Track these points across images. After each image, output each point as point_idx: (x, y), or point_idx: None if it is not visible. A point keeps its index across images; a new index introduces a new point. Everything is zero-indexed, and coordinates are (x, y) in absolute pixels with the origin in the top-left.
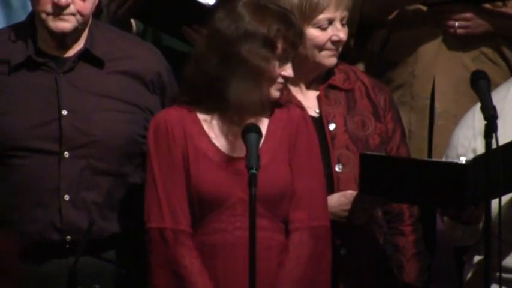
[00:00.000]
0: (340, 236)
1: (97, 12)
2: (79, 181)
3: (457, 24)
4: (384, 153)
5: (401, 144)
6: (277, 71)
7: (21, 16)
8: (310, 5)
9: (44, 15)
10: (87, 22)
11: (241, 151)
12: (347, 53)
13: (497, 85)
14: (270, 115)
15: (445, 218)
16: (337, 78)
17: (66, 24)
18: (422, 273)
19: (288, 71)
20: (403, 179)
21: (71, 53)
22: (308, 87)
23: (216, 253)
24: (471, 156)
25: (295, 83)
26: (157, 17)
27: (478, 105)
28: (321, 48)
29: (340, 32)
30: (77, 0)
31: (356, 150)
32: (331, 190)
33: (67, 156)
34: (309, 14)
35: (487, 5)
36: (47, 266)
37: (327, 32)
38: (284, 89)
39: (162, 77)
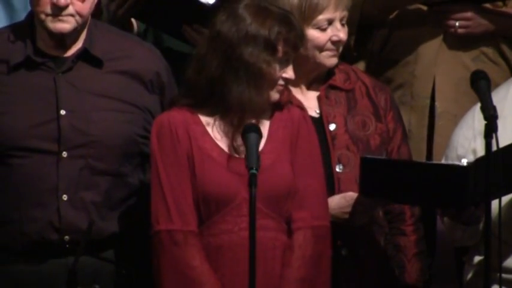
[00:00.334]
0: (341, 237)
1: (98, 12)
2: (78, 181)
3: (457, 24)
4: (384, 157)
5: (402, 144)
6: (278, 73)
7: (22, 17)
8: (309, 5)
9: (43, 16)
10: (86, 22)
11: (244, 152)
12: (347, 52)
13: (497, 85)
14: (270, 116)
15: (445, 219)
16: (338, 79)
17: (65, 25)
18: (423, 273)
19: (289, 73)
20: (404, 181)
21: (70, 52)
22: (308, 88)
23: (222, 254)
24: (471, 156)
25: (296, 84)
26: (158, 17)
27: (478, 105)
28: (321, 48)
29: (340, 32)
30: (76, 1)
31: (357, 150)
32: (331, 190)
33: (65, 156)
34: (308, 15)
35: (488, 5)
36: (46, 265)
37: (327, 32)
38: (284, 90)
39: (161, 76)
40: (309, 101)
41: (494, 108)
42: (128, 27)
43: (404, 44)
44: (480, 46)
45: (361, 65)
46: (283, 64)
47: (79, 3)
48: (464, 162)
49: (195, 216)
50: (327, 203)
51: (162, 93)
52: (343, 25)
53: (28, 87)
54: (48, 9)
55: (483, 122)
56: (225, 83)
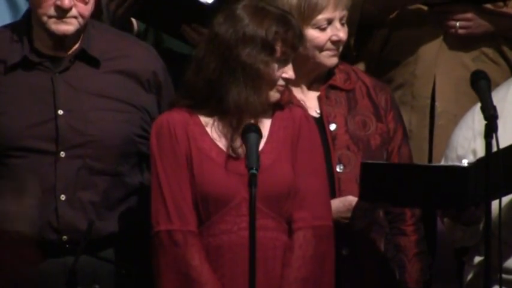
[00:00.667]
0: (342, 237)
1: (98, 12)
2: (75, 181)
3: (458, 24)
4: (385, 156)
5: (403, 144)
6: (277, 73)
7: None
8: (308, 5)
9: (45, 18)
10: (86, 23)
11: (243, 152)
12: (347, 52)
13: (497, 85)
14: (272, 115)
15: (446, 219)
16: (338, 79)
17: (69, 27)
18: (424, 273)
19: (289, 73)
20: (405, 184)
21: (67, 52)
22: (309, 88)
23: (222, 254)
24: (470, 157)
25: (296, 84)
26: (157, 17)
27: (477, 106)
28: (321, 48)
29: (339, 32)
30: (79, 3)
31: (357, 150)
32: (332, 190)
33: (63, 156)
34: (307, 15)
35: (488, 5)
36: (44, 265)
37: (327, 32)
38: (285, 90)
39: (158, 76)
40: (309, 101)
41: (494, 108)
42: (128, 27)
43: (404, 44)
44: (480, 46)
45: (361, 65)
46: (282, 64)
47: (82, 5)
48: (465, 163)
49: (194, 217)
50: (329, 203)
51: (159, 93)
52: (342, 25)
53: (25, 87)
54: (52, 12)
55: (483, 123)
56: (223, 84)
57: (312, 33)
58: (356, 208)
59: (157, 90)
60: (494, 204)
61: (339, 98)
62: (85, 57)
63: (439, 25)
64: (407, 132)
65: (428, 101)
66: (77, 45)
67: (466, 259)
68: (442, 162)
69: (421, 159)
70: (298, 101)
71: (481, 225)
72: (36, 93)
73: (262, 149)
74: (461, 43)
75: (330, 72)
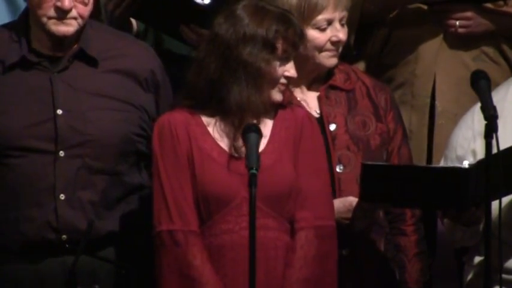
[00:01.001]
0: (342, 237)
1: (96, 12)
2: (75, 180)
3: (458, 23)
4: (384, 157)
5: (403, 145)
6: (279, 72)
7: None
8: (308, 6)
9: (45, 19)
10: (85, 24)
11: (245, 152)
12: (347, 51)
13: (497, 84)
14: (274, 116)
15: (446, 220)
16: (338, 79)
17: (69, 28)
18: (424, 273)
19: (291, 71)
20: (405, 185)
21: (66, 52)
22: (309, 88)
23: (224, 254)
24: (470, 157)
25: (296, 84)
26: (155, 17)
27: (477, 106)
28: (321, 49)
29: (339, 33)
30: (79, 4)
31: (357, 150)
32: (332, 191)
33: (62, 155)
34: (307, 15)
35: (488, 4)
36: (44, 265)
37: (326, 32)
38: (286, 90)
39: (156, 75)
40: (309, 101)
41: (494, 108)
42: (127, 27)
43: (404, 44)
44: (481, 45)
45: (361, 65)
46: (283, 62)
47: (82, 6)
48: (465, 164)
49: (195, 216)
50: (331, 203)
51: (157, 92)
52: (342, 25)
53: (24, 87)
54: (52, 13)
55: (482, 123)
56: (224, 84)
57: (311, 33)
58: (356, 209)
59: (155, 90)
60: (494, 204)
61: (339, 98)
62: (83, 57)
63: (439, 24)
64: (407, 132)
65: (429, 100)
66: (75, 45)
67: (466, 259)
68: (442, 162)
69: (421, 158)
70: (299, 101)
71: (481, 226)
72: (35, 93)
73: (264, 149)
74: (461, 42)
75: (329, 72)
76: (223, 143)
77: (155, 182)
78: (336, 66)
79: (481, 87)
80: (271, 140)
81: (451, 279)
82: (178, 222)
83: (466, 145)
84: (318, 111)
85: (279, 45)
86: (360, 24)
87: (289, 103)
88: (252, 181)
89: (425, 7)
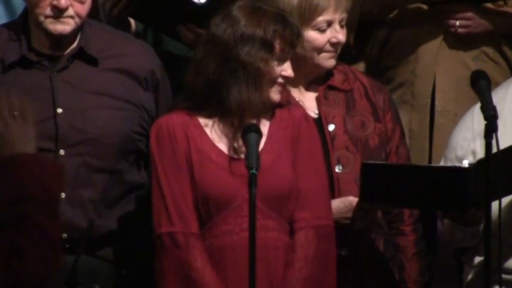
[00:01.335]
0: (341, 237)
1: (95, 11)
2: (75, 179)
3: (458, 23)
4: (383, 157)
5: (401, 145)
6: (277, 71)
7: None
8: (309, 7)
9: (42, 18)
10: (83, 23)
11: (243, 153)
12: (347, 51)
13: (497, 84)
14: (271, 116)
15: (446, 220)
16: (336, 79)
17: (65, 26)
18: (423, 272)
19: (288, 71)
20: (405, 185)
21: (65, 51)
22: (307, 88)
23: (225, 255)
24: (470, 157)
25: (295, 84)
26: (152, 16)
27: (477, 106)
28: (320, 50)
29: (339, 34)
30: (76, 3)
31: (356, 150)
32: (331, 191)
33: (63, 154)
34: (308, 16)
35: (488, 4)
36: None
37: (326, 34)
38: (283, 90)
39: (155, 74)
40: (308, 101)
41: (494, 108)
42: (125, 27)
43: (404, 43)
44: (480, 45)
45: (361, 64)
46: (281, 62)
47: (78, 5)
48: (465, 164)
49: (195, 218)
50: (329, 202)
51: (157, 90)
52: (342, 27)
53: (24, 86)
54: (48, 11)
55: (482, 123)
56: (224, 84)
57: (311, 34)
58: (356, 208)
59: (155, 88)
60: (495, 205)
61: (337, 99)
62: (83, 56)
63: (439, 24)
64: (405, 132)
65: (429, 100)
66: (74, 44)
67: (466, 259)
68: (442, 163)
69: (421, 158)
70: (297, 102)
71: (481, 226)
72: (35, 92)
73: (262, 149)
74: (461, 42)
75: (328, 72)
76: (222, 145)
77: (154, 184)
78: (334, 66)
79: (481, 87)
80: (270, 140)
81: (451, 279)
82: (178, 224)
83: (465, 145)
84: (317, 112)
85: (277, 45)
86: (360, 24)
87: (287, 103)
88: (252, 181)
89: (425, 7)
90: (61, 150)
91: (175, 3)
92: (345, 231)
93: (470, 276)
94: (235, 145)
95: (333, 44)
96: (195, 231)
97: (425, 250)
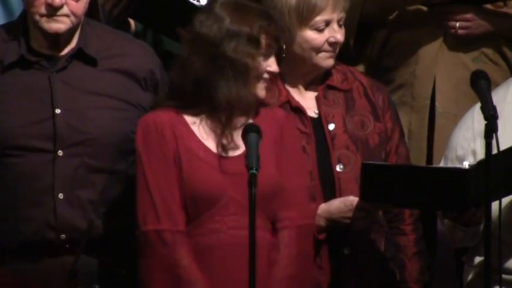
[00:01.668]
0: (343, 236)
1: (95, 12)
2: (74, 179)
3: (457, 24)
4: (383, 156)
5: (400, 144)
6: (263, 67)
7: None
8: (307, 6)
9: (37, 17)
10: (80, 22)
11: (231, 151)
12: (347, 51)
13: (497, 85)
14: (254, 116)
15: (446, 220)
16: (335, 79)
17: (60, 25)
18: (423, 272)
19: (273, 66)
20: (406, 186)
21: (64, 52)
22: (306, 88)
23: (212, 253)
24: (470, 157)
25: (294, 84)
26: (152, 17)
27: (477, 106)
28: (318, 50)
29: (337, 34)
30: (70, 1)
31: (356, 150)
32: (333, 190)
33: (61, 154)
34: (306, 16)
35: (488, 6)
36: (43, 264)
37: (324, 33)
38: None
39: (155, 74)
40: (307, 101)
41: (494, 108)
42: (125, 27)
43: (404, 45)
44: (480, 46)
45: (361, 66)
46: (266, 57)
47: (73, 3)
48: (466, 165)
49: (183, 216)
50: (309, 200)
51: (156, 90)
52: (340, 26)
53: (23, 86)
54: (43, 10)
55: (482, 123)
56: (211, 81)
57: (309, 34)
58: (357, 208)
59: (154, 88)
60: (495, 205)
61: (337, 98)
62: (82, 56)
63: (439, 25)
64: (406, 132)
65: (428, 102)
66: (73, 44)
67: (466, 259)
68: (442, 163)
69: (420, 159)
70: (297, 102)
71: (482, 226)
72: (34, 92)
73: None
74: (461, 43)
75: (327, 72)
76: (209, 142)
77: (140, 181)
78: (333, 66)
79: (481, 87)
80: None
81: (451, 279)
82: (166, 222)
83: (466, 145)
84: (316, 111)
85: (263, 40)
86: (360, 25)
87: (268, 104)
88: (252, 181)
89: (425, 8)
90: (59, 151)
91: (175, 5)
92: (347, 231)
93: (470, 276)
94: (224, 142)
95: (331, 44)
96: (182, 229)
97: (425, 250)
